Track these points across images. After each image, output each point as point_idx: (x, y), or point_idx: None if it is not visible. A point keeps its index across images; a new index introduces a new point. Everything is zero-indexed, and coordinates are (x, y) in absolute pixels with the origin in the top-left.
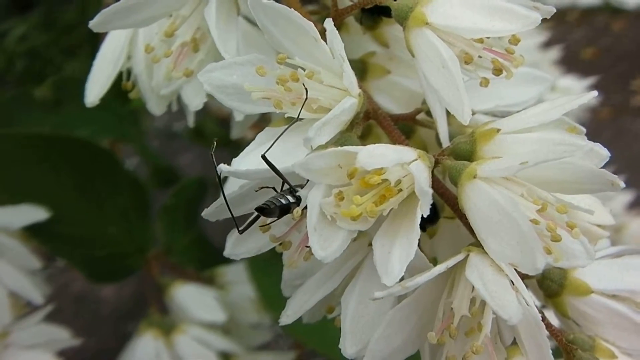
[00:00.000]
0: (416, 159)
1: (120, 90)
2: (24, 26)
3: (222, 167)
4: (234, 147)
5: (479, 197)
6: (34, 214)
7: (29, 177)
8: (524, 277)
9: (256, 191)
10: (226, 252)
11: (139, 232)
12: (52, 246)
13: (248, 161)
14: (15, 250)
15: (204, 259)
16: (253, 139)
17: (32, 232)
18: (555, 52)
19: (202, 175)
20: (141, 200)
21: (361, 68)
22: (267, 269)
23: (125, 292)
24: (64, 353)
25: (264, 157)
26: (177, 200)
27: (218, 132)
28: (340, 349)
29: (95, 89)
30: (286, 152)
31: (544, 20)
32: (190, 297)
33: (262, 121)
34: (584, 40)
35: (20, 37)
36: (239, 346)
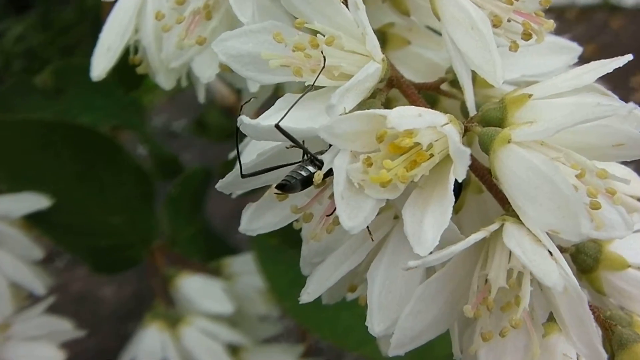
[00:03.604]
0: (448, 123)
1: (124, 78)
2: (21, 26)
3: (244, 119)
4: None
5: (514, 162)
6: (36, 202)
7: (31, 164)
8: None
9: (287, 148)
10: (241, 228)
11: (143, 222)
12: (54, 236)
13: (268, 122)
14: (16, 239)
15: (209, 250)
16: None
17: (34, 221)
18: None
19: (206, 165)
20: (145, 190)
21: (380, 39)
22: (275, 258)
23: (125, 292)
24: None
25: (277, 125)
26: (182, 190)
27: (223, 123)
28: (351, 340)
29: (102, 62)
30: (308, 118)
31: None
32: (196, 289)
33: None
34: (583, 37)
35: (17, 37)
36: (247, 338)
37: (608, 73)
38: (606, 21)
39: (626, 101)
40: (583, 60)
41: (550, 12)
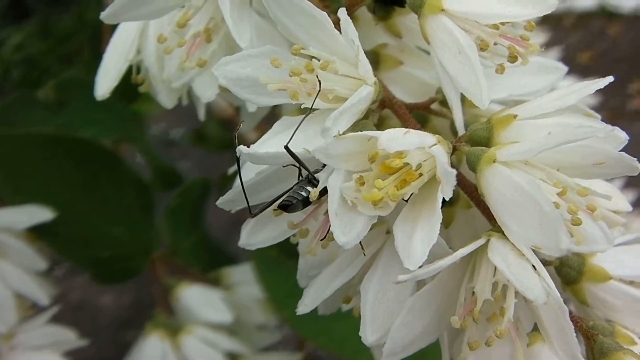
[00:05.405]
0: (436, 144)
1: (124, 91)
2: (21, 35)
3: (242, 149)
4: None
5: (499, 180)
6: (39, 214)
7: (34, 177)
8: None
9: (284, 167)
10: (241, 242)
11: (144, 233)
12: (57, 247)
13: (266, 147)
14: (21, 250)
15: (209, 260)
16: (256, 141)
17: (37, 233)
18: (555, 53)
19: (206, 175)
20: (146, 201)
21: (373, 59)
22: (274, 268)
23: (124, 301)
24: None
25: (286, 147)
26: (182, 201)
27: (221, 135)
28: (346, 348)
29: (106, 82)
30: (305, 140)
31: (539, 24)
32: (196, 298)
33: (266, 123)
34: (580, 44)
35: (16, 46)
36: (245, 347)
37: None
38: (603, 28)
39: (624, 108)
40: (580, 66)
41: (547, 19)
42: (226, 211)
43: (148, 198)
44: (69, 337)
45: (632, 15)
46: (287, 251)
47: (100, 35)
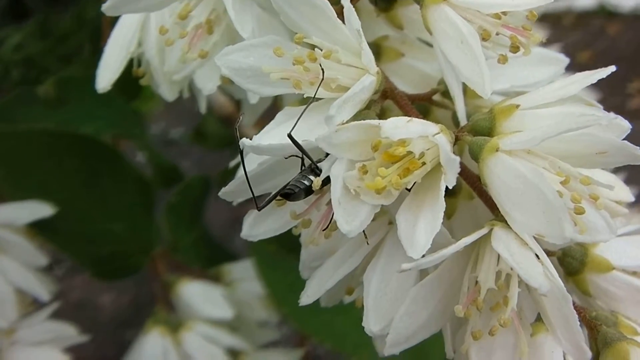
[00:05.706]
0: (439, 132)
1: (125, 87)
2: (20, 35)
3: (245, 141)
4: (236, 148)
5: (502, 170)
6: (40, 210)
7: (35, 173)
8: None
9: (286, 158)
10: (243, 234)
11: (144, 229)
12: (58, 243)
13: (269, 138)
14: (21, 246)
15: (209, 257)
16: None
17: (38, 229)
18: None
19: (206, 173)
20: (146, 198)
21: (375, 51)
22: (274, 264)
23: (123, 300)
24: None
25: (289, 135)
26: (182, 198)
27: (221, 132)
28: (348, 343)
29: (107, 74)
30: (308, 130)
31: (538, 22)
32: (197, 294)
33: (266, 119)
34: (580, 43)
35: (16, 46)
36: (246, 343)
37: (605, 80)
38: (603, 27)
39: (623, 107)
40: (579, 66)
41: (547, 18)
42: (226, 210)
43: (148, 195)
44: (70, 333)
45: (632, 15)
46: (286, 246)
47: (100, 32)
